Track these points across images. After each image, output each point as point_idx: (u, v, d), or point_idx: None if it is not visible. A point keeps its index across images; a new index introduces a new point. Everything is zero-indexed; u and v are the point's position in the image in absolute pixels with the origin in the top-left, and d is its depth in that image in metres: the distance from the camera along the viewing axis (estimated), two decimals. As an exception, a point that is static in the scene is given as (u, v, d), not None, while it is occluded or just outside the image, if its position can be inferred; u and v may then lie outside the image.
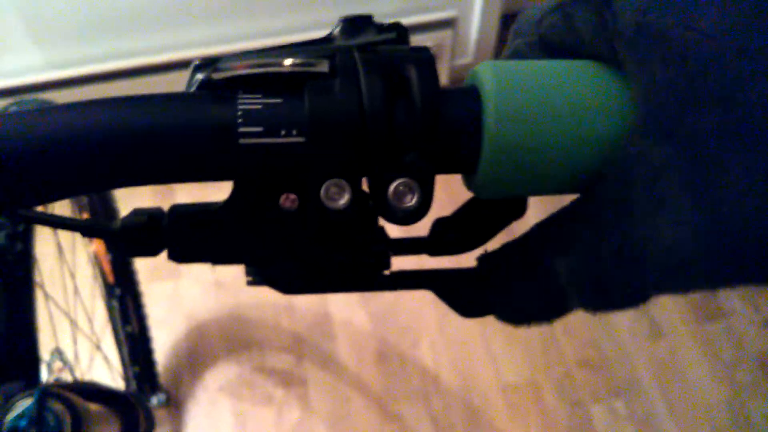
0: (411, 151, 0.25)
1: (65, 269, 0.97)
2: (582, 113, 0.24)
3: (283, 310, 1.41)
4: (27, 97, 1.22)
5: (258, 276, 0.29)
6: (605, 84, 0.25)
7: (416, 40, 1.56)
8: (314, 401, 1.32)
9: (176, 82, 1.48)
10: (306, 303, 1.42)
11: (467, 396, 1.32)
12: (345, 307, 1.41)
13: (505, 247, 0.30)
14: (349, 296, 1.40)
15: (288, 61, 0.25)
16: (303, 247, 0.28)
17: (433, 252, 0.31)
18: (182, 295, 1.45)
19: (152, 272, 1.40)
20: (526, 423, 1.29)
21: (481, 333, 1.37)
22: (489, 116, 0.24)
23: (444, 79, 1.70)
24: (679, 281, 0.23)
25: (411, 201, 0.25)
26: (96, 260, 1.06)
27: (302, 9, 1.46)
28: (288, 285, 0.29)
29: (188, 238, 0.28)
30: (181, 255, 0.28)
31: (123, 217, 0.29)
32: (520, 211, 0.30)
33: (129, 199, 0.28)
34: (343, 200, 0.25)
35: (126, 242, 0.29)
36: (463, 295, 0.30)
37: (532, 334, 1.38)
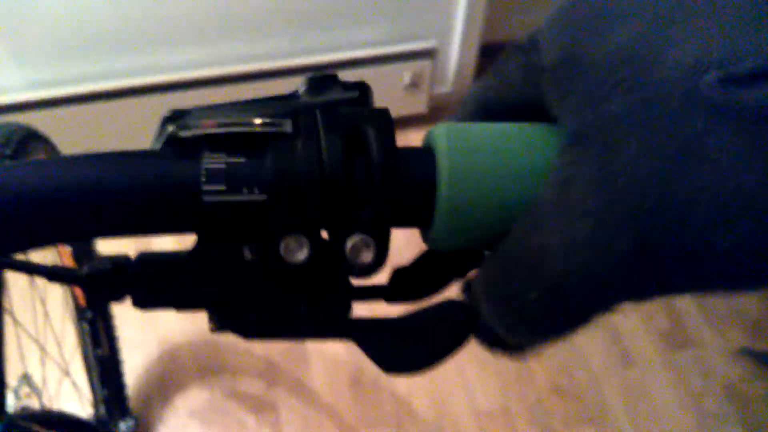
0: (368, 208, 0.26)
1: (35, 293, 0.97)
2: (525, 173, 0.26)
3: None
4: (3, 119, 1.22)
5: (220, 322, 0.30)
6: (547, 143, 0.26)
7: (396, 68, 1.58)
8: (286, 428, 1.31)
9: (156, 105, 1.49)
10: (280, 327, 1.41)
11: (440, 422, 1.32)
12: (319, 332, 1.41)
13: (443, 303, 0.31)
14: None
15: (251, 121, 0.26)
16: (265, 296, 0.28)
17: (390, 299, 0.32)
18: (155, 318, 1.45)
19: (126, 294, 1.39)
20: (499, 450, 1.30)
21: (455, 359, 1.37)
22: (442, 175, 0.25)
23: (423, 107, 1.72)
24: (585, 283, 0.23)
25: (367, 256, 0.26)
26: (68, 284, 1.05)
27: (283, 34, 1.48)
28: (249, 331, 0.30)
29: (152, 286, 0.29)
30: (145, 302, 0.29)
31: (89, 264, 0.30)
32: (476, 260, 0.31)
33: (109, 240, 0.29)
34: (303, 254, 0.26)
35: (92, 288, 0.29)
36: (391, 347, 0.31)
37: (506, 361, 1.38)
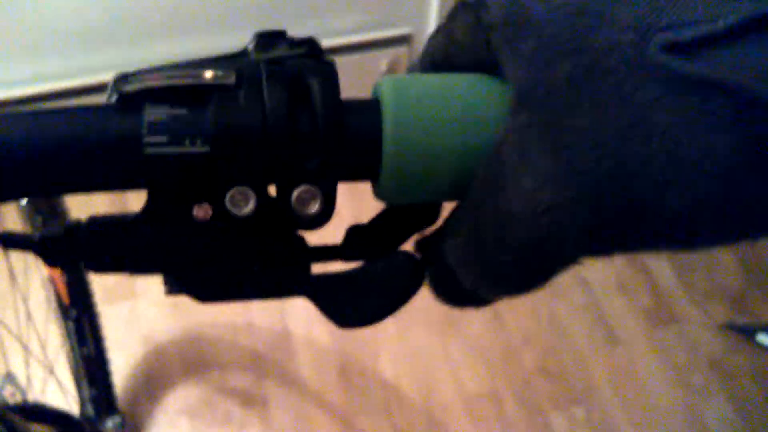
0: (313, 158, 0.26)
1: (17, 293, 0.96)
2: (471, 123, 0.26)
3: (241, 328, 1.40)
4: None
5: (175, 285, 0.29)
6: (492, 94, 0.26)
7: (373, 55, 1.58)
8: (275, 420, 1.31)
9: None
10: (265, 320, 1.41)
11: (429, 407, 1.32)
12: (305, 323, 1.41)
13: (397, 253, 0.32)
14: (309, 311, 1.39)
15: (193, 73, 0.26)
16: (217, 256, 0.28)
17: (346, 258, 0.32)
18: (139, 316, 1.43)
19: (108, 293, 1.38)
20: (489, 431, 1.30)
21: (441, 343, 1.38)
22: (388, 126, 0.26)
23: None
24: (547, 242, 0.24)
25: (314, 207, 0.26)
26: (51, 282, 1.04)
27: (258, 24, 1.46)
28: (205, 293, 0.30)
29: (104, 249, 0.28)
30: (97, 266, 0.29)
31: (42, 230, 0.29)
32: (432, 217, 0.32)
33: (85, 207, 0.28)
34: (248, 207, 0.26)
35: (45, 253, 0.29)
36: (345, 302, 0.31)
37: (492, 343, 1.39)
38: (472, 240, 0.26)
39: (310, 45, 0.28)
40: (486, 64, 0.27)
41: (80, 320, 1.08)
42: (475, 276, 0.27)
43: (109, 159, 0.25)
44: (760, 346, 1.37)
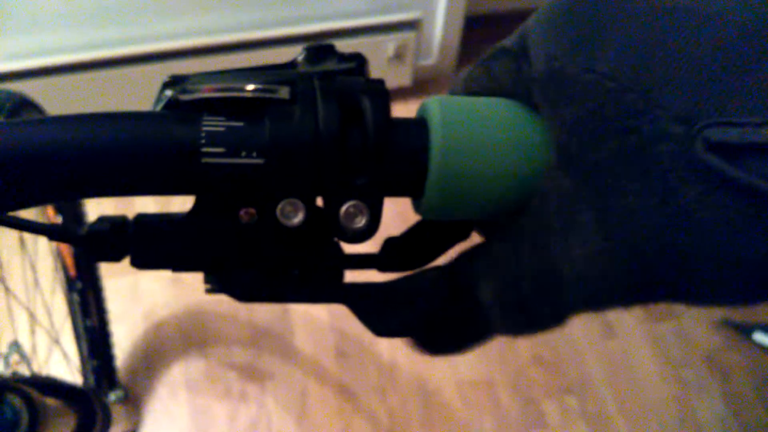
0: (362, 175, 0.27)
1: (26, 261, 0.96)
2: (514, 146, 0.27)
3: (241, 304, 1.42)
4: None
5: (216, 284, 0.30)
6: (532, 121, 0.27)
7: (380, 40, 1.58)
8: (272, 395, 1.33)
9: (145, 75, 1.48)
10: (266, 299, 1.41)
11: (423, 391, 1.34)
12: (305, 303, 1.41)
13: (430, 270, 0.32)
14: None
15: (251, 87, 0.26)
16: (260, 258, 0.29)
17: (382, 268, 0.33)
18: (140, 290, 1.45)
19: (110, 267, 1.38)
20: (481, 418, 1.31)
21: (439, 330, 1.39)
22: (435, 146, 0.27)
23: (408, 79, 1.71)
24: (590, 300, 0.25)
25: (360, 222, 0.27)
26: (58, 253, 1.05)
27: (267, 5, 1.46)
28: (244, 294, 0.31)
29: (151, 245, 0.29)
30: (143, 262, 0.30)
31: (90, 224, 0.30)
32: (465, 233, 0.32)
33: (93, 202, 0.29)
34: (298, 218, 0.27)
35: (92, 248, 0.30)
36: (379, 311, 0.32)
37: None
38: (510, 286, 0.27)
39: (358, 60, 0.29)
40: (528, 99, 0.28)
41: (85, 292, 1.09)
42: (508, 319, 0.28)
43: (165, 166, 0.26)
44: (756, 344, 1.38)
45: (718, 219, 0.21)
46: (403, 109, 1.72)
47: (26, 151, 0.25)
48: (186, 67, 1.48)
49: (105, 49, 1.45)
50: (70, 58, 1.43)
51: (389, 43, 1.60)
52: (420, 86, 1.76)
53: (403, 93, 1.74)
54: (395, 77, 1.70)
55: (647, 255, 0.23)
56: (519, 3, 1.76)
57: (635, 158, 0.23)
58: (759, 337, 1.38)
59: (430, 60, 1.76)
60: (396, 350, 1.37)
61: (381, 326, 0.32)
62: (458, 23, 1.67)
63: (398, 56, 1.63)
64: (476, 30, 1.75)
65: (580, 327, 1.42)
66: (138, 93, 1.46)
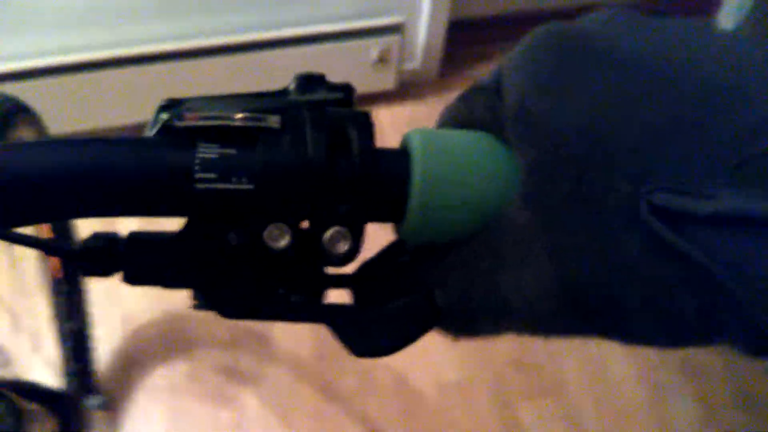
0: (346, 202, 0.28)
1: (9, 262, 0.96)
2: (489, 176, 0.29)
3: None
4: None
5: (203, 300, 0.32)
6: (505, 154, 0.29)
7: (364, 44, 1.58)
8: (251, 399, 1.33)
9: (135, 78, 1.48)
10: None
11: (402, 394, 1.35)
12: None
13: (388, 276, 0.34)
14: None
15: (240, 116, 0.28)
16: (246, 278, 0.31)
17: (358, 290, 0.35)
18: (120, 293, 1.44)
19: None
20: (459, 421, 1.33)
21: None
22: (416, 175, 0.28)
23: (391, 83, 1.72)
24: (531, 324, 0.27)
25: (343, 247, 0.29)
26: (45, 255, 1.05)
27: (250, 9, 1.47)
28: (230, 311, 0.32)
29: (143, 263, 0.31)
30: (135, 278, 0.31)
31: (84, 239, 0.31)
32: (437, 256, 0.33)
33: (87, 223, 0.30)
34: (283, 242, 0.28)
35: (84, 263, 0.31)
36: (360, 333, 0.33)
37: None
38: (462, 297, 0.29)
39: (346, 91, 0.31)
40: (502, 134, 0.29)
41: (70, 296, 1.10)
42: (455, 324, 0.31)
43: (159, 190, 0.27)
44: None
45: (655, 276, 0.24)
46: (387, 114, 1.73)
47: (24, 174, 0.26)
48: (171, 69, 1.48)
49: (104, 49, 1.45)
50: (68, 59, 1.43)
51: (373, 47, 1.60)
52: (404, 90, 1.77)
53: (387, 97, 1.75)
54: (379, 81, 1.70)
55: (589, 296, 0.25)
56: (502, 7, 1.78)
57: (585, 206, 0.24)
58: (733, 340, 1.39)
59: (414, 64, 1.77)
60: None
61: (362, 347, 0.33)
62: (442, 27, 1.68)
63: (382, 60, 1.64)
64: (460, 34, 1.76)
65: (558, 330, 1.42)
66: (137, 94, 1.47)
